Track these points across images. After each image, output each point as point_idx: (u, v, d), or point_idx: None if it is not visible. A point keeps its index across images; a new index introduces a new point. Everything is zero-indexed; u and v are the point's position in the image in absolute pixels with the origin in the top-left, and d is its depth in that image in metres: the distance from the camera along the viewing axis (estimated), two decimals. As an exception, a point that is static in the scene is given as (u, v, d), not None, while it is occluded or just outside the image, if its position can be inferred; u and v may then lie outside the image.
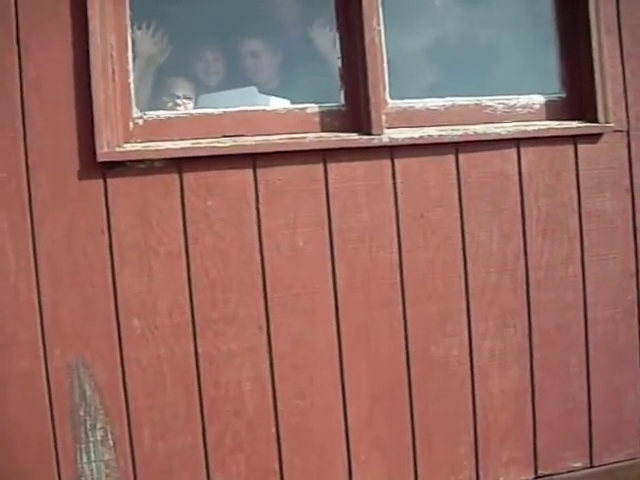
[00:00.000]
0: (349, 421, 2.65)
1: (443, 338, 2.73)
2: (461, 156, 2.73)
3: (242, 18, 3.01)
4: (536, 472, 2.84)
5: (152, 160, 2.48)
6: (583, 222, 2.87)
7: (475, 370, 2.76)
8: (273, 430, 2.59)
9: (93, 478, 2.45)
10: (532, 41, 3.09)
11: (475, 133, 2.74)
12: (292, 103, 2.78)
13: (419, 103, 2.77)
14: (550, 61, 2.93)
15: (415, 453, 2.71)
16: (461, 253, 2.74)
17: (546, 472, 2.85)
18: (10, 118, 2.39)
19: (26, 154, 2.40)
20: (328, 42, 2.79)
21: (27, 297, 2.40)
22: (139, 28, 2.74)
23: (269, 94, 2.89)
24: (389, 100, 2.72)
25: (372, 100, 2.63)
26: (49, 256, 2.41)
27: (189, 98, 2.92)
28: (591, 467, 2.90)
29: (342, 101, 2.70)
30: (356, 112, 2.67)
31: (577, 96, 2.91)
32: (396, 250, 2.67)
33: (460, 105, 2.81)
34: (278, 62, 3.09)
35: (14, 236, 2.40)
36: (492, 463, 2.79)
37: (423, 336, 2.71)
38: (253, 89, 2.91)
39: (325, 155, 2.61)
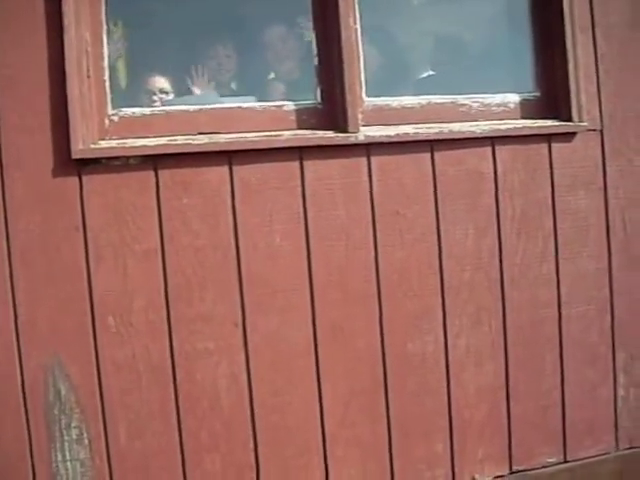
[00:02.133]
0: (325, 418, 2.65)
1: (419, 335, 2.74)
2: (436, 154, 2.74)
3: (218, 16, 3.00)
4: (511, 468, 2.86)
5: (127, 157, 2.47)
6: (557, 220, 2.89)
7: (451, 367, 2.78)
8: (249, 428, 2.58)
9: (68, 477, 2.44)
10: (507, 40, 3.11)
11: (450, 131, 2.76)
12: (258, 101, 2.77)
13: (395, 101, 2.78)
14: (525, 60, 2.95)
15: (391, 450, 2.72)
16: (437, 250, 2.75)
17: (520, 468, 2.87)
18: (-17, 115, 2.37)
19: (0, 151, 2.38)
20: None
21: (1, 295, 2.38)
22: (115, 24, 2.73)
23: (231, 96, 2.89)
24: (365, 98, 2.72)
25: (348, 98, 2.63)
26: (23, 254, 2.39)
27: (166, 92, 2.90)
28: (565, 462, 2.92)
29: (318, 99, 2.70)
30: (332, 110, 2.67)
31: (551, 95, 2.93)
32: (372, 247, 2.68)
33: (436, 103, 2.82)
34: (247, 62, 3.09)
35: (-13, 234, 2.38)
36: (468, 459, 2.81)
37: (399, 333, 2.72)
38: (213, 94, 2.91)
39: (301, 153, 2.61)
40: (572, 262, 2.91)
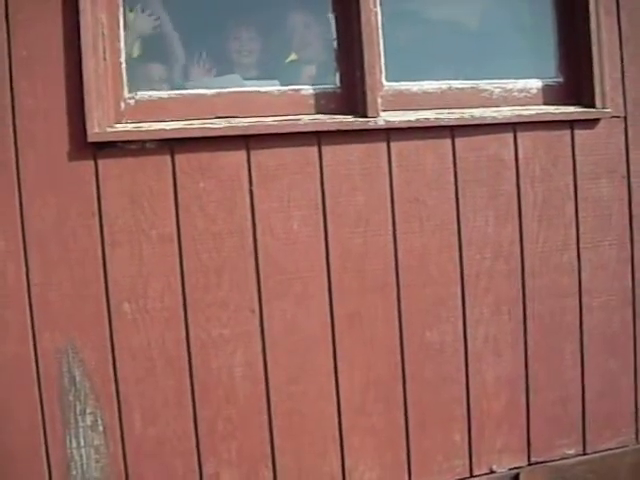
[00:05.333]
0: (342, 407, 2.63)
1: (438, 324, 2.71)
2: (457, 140, 2.70)
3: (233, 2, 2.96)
4: (529, 459, 2.84)
5: (144, 141, 2.44)
6: (579, 208, 2.86)
7: (469, 356, 2.75)
8: (265, 416, 2.57)
9: (82, 463, 2.43)
10: (530, 24, 3.06)
11: (471, 117, 2.72)
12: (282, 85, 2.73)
13: (415, 86, 2.74)
14: (548, 45, 2.90)
15: (408, 439, 2.70)
16: (456, 238, 2.72)
17: (539, 459, 2.84)
18: (-2, 97, 2.35)
19: (15, 134, 2.36)
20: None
21: (16, 280, 2.37)
22: (131, 10, 2.69)
23: (253, 79, 2.85)
24: (385, 82, 2.69)
25: (368, 82, 2.60)
26: (39, 239, 2.38)
27: (163, 80, 2.85)
28: (584, 454, 2.90)
29: (338, 83, 2.67)
30: (352, 94, 2.64)
31: (574, 81, 2.89)
32: (391, 234, 2.65)
33: (457, 88, 2.78)
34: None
35: (3, 218, 2.36)
36: (485, 450, 2.79)
37: (418, 322, 2.69)
38: (236, 77, 2.87)
39: (320, 137, 2.58)
40: (594, 251, 2.88)
